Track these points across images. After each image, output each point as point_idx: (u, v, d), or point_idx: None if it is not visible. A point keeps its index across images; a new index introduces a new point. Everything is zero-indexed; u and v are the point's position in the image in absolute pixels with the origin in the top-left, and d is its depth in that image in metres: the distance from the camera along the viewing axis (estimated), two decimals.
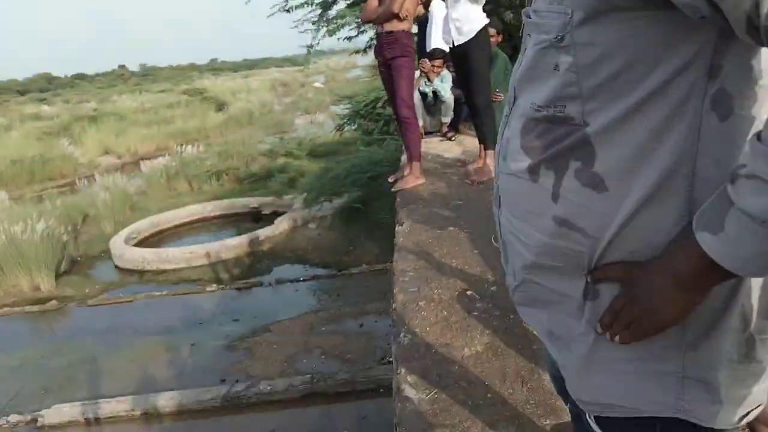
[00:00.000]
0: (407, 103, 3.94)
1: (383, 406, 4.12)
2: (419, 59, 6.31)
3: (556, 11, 0.69)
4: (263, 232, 8.55)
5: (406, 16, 3.75)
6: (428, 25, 5.82)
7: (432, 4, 5.75)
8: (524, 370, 1.87)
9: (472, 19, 3.78)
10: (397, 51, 3.81)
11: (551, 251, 0.75)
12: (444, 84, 5.84)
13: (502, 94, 5.09)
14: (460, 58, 3.94)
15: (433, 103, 5.98)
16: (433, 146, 5.52)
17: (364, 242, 7.77)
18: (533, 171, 0.75)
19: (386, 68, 3.95)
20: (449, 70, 5.81)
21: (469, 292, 2.45)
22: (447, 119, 5.90)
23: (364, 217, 7.90)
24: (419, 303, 2.39)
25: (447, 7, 3.87)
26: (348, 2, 9.10)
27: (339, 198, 8.68)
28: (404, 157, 4.53)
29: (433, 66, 5.74)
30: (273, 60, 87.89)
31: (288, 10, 9.14)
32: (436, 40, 5.65)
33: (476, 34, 3.77)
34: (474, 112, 4.10)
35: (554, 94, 0.71)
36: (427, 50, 5.82)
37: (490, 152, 4.00)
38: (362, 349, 5.35)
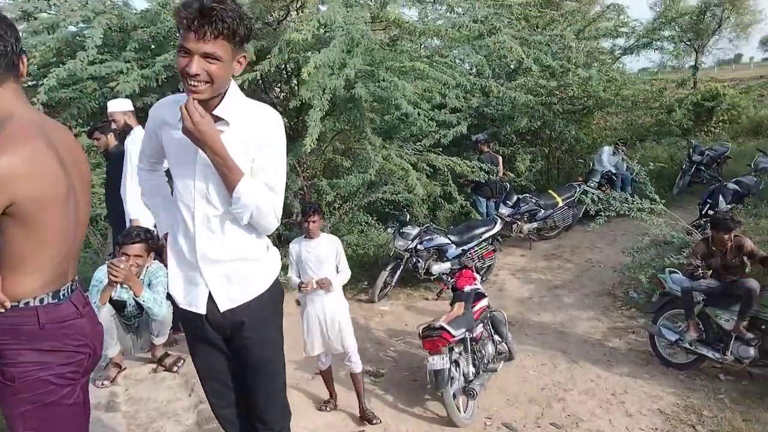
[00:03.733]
0: None
1: None
2: (113, 220, 4.25)
3: None
4: None
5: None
6: (124, 163, 3.96)
7: (134, 132, 3.96)
8: None
9: (260, 259, 1.88)
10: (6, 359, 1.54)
11: None
12: (155, 291, 3.55)
13: None
14: (225, 330, 1.90)
15: (136, 313, 3.72)
16: (147, 394, 3.38)
17: None
18: None
19: None
20: (162, 263, 3.51)
21: None
22: (161, 339, 3.74)
23: None
24: None
25: (192, 222, 1.78)
26: None
27: None
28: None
29: (128, 260, 3.40)
30: None
31: None
32: (138, 207, 3.69)
33: (271, 287, 1.90)
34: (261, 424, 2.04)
35: None
36: (127, 221, 3.90)
37: None
38: None
